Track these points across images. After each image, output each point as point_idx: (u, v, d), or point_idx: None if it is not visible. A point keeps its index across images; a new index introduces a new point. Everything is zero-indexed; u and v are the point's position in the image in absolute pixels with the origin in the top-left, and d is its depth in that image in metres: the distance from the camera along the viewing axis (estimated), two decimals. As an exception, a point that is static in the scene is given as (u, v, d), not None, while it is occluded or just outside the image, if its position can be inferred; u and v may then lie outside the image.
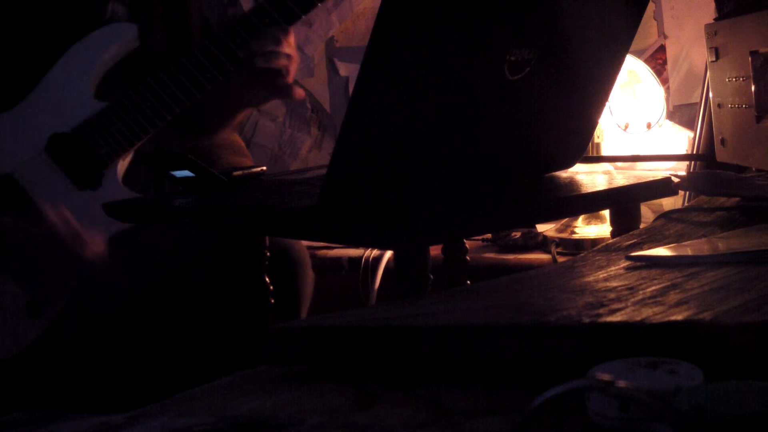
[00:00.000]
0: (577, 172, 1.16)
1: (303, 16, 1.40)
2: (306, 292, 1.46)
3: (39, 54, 1.42)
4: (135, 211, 1.19)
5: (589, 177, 1.15)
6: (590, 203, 1.12)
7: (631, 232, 0.95)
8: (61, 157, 1.37)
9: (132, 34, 1.44)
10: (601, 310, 0.56)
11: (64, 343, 1.33)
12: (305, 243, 2.27)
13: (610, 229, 1.21)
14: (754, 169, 1.20)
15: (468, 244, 1.42)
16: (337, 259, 2.18)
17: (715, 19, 1.43)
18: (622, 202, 1.13)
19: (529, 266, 1.85)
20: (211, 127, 1.56)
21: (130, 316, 1.30)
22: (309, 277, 1.49)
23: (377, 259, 2.10)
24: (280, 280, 1.34)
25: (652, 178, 1.13)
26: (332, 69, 2.58)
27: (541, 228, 2.08)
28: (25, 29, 1.43)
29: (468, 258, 1.40)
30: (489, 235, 2.13)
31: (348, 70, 2.56)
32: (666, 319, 0.52)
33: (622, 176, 1.18)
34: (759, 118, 1.15)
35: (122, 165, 1.42)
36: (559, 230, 2.06)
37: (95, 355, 1.29)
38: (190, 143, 1.55)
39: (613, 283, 0.65)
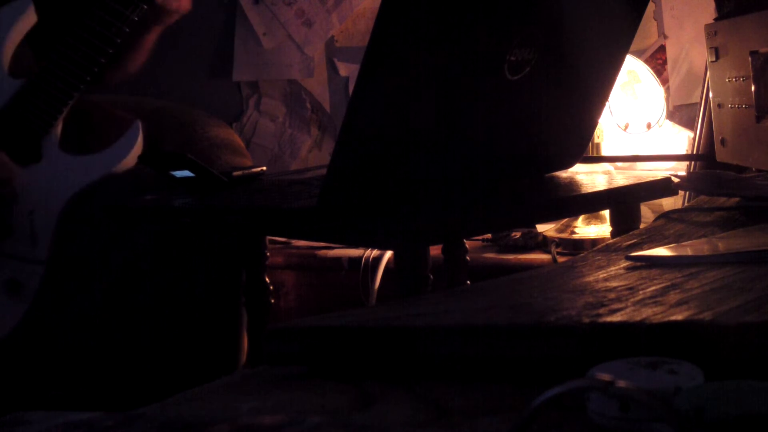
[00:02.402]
0: (577, 172, 1.16)
1: None
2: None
3: None
4: (135, 211, 1.18)
5: (589, 177, 1.15)
6: (590, 203, 1.12)
7: (631, 232, 0.95)
8: None
9: (29, 9, 1.47)
10: (601, 310, 0.56)
11: (63, 346, 1.33)
12: (305, 243, 2.28)
13: (610, 229, 1.21)
14: (754, 169, 1.20)
15: (468, 244, 1.42)
16: (337, 259, 2.18)
17: (715, 19, 1.43)
18: (622, 202, 1.13)
19: (529, 266, 1.84)
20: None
21: (127, 316, 1.29)
22: None
23: (377, 259, 2.10)
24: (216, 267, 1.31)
25: (652, 178, 1.13)
26: (332, 69, 2.58)
27: (541, 228, 2.08)
28: None
29: (468, 258, 1.40)
30: (489, 235, 2.13)
31: (348, 70, 2.56)
32: (666, 319, 0.52)
33: (622, 176, 1.18)
34: (759, 118, 1.15)
35: (56, 132, 1.44)
36: (559, 230, 2.06)
37: (96, 356, 1.29)
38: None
39: (613, 283, 0.65)
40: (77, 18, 1.41)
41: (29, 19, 1.48)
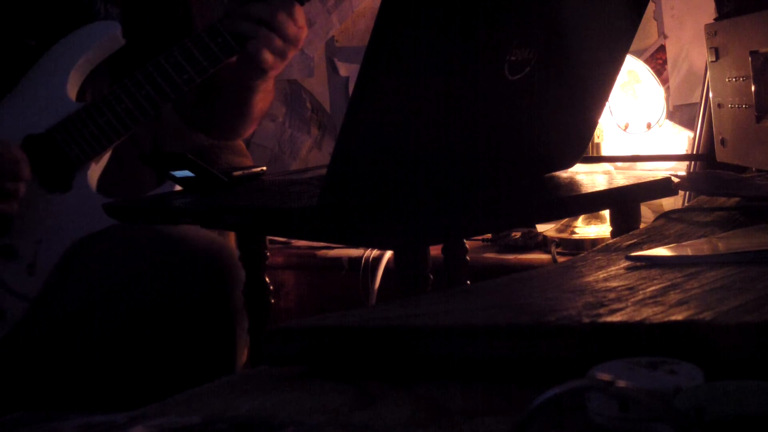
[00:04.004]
0: (577, 172, 1.16)
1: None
2: (235, 300, 1.30)
3: (24, 53, 1.40)
4: (135, 211, 1.18)
5: (589, 177, 1.15)
6: (590, 203, 1.12)
7: (631, 232, 0.95)
8: (34, 158, 1.33)
9: (115, 32, 1.40)
10: (601, 310, 0.56)
11: (52, 348, 1.30)
12: (305, 243, 2.28)
13: (610, 229, 1.21)
14: (754, 169, 1.20)
15: (468, 244, 1.42)
16: (337, 259, 2.18)
17: (715, 19, 1.43)
18: (622, 202, 1.13)
19: (529, 266, 1.85)
20: (234, 117, 1.51)
21: (126, 318, 1.27)
22: (240, 288, 1.32)
23: (377, 259, 2.10)
24: (205, 290, 1.25)
25: (652, 178, 1.13)
26: (332, 69, 2.58)
27: (541, 228, 2.08)
28: (10, 27, 1.41)
29: (468, 258, 1.40)
30: (489, 235, 2.13)
31: (348, 70, 2.56)
32: (666, 319, 0.52)
33: (622, 176, 1.18)
34: (759, 118, 1.15)
35: (95, 168, 1.38)
36: (559, 230, 2.06)
37: (97, 357, 1.27)
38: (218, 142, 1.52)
39: (613, 283, 0.65)
40: (155, 55, 1.35)
41: (113, 42, 1.40)
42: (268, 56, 1.32)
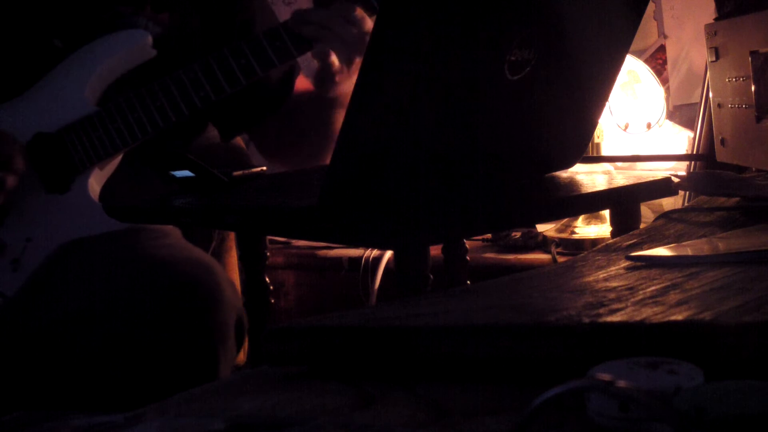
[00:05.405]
0: (577, 172, 1.16)
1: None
2: (218, 326, 1.26)
3: (51, 53, 1.39)
4: (135, 211, 1.18)
5: (589, 177, 1.15)
6: (590, 203, 1.12)
7: (631, 232, 0.95)
8: (39, 157, 1.33)
9: (144, 42, 1.38)
10: (601, 310, 0.56)
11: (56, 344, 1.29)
12: (305, 243, 2.28)
13: (610, 229, 1.21)
14: (754, 169, 1.20)
15: (468, 244, 1.42)
16: (337, 259, 2.18)
17: (715, 19, 1.43)
18: (622, 202, 1.13)
19: (529, 266, 1.85)
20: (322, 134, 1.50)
21: (103, 334, 1.24)
22: (224, 312, 1.27)
23: (377, 259, 2.10)
24: (185, 314, 1.23)
25: (652, 178, 1.13)
26: (332, 69, 2.58)
27: (541, 228, 2.09)
28: (39, 26, 1.41)
29: (468, 258, 1.40)
30: (489, 235, 2.14)
31: (348, 70, 2.56)
32: (666, 319, 0.52)
33: (622, 176, 1.18)
34: (759, 118, 1.15)
35: (98, 174, 1.37)
36: (559, 230, 2.06)
37: (73, 369, 1.25)
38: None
39: (613, 283, 0.65)
40: (176, 67, 1.34)
41: (142, 52, 1.38)
42: (333, 59, 1.32)
